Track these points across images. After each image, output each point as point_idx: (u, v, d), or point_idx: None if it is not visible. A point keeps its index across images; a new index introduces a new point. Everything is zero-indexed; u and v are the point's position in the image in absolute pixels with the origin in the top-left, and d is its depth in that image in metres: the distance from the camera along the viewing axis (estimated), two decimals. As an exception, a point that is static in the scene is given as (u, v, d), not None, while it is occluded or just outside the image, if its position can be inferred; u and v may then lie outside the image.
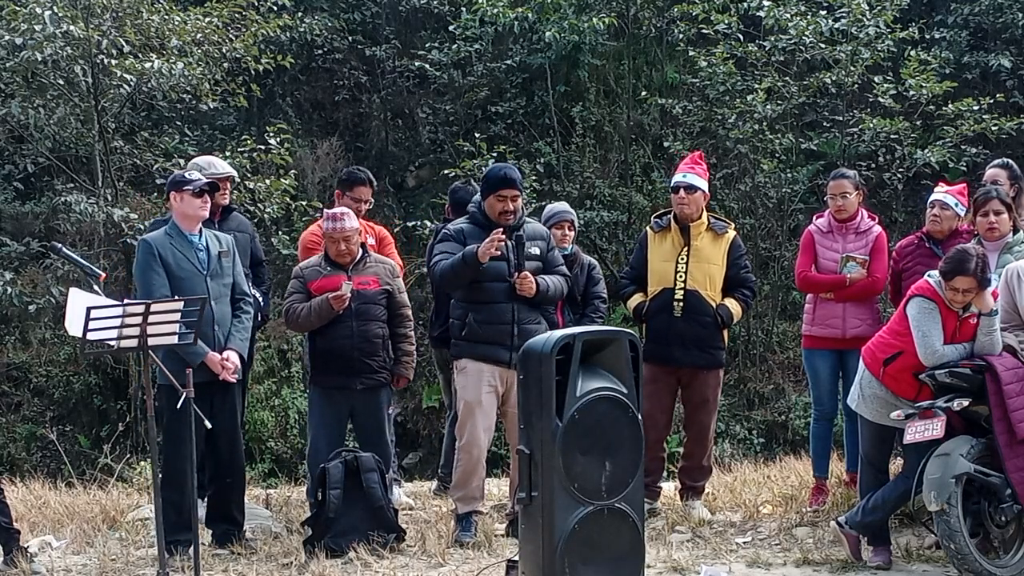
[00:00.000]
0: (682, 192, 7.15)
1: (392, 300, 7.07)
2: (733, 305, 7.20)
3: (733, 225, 7.49)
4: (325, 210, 7.18)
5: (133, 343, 5.40)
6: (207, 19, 12.86)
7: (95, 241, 13.45)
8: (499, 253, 6.59)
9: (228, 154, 12.57)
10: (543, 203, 13.59)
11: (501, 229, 6.61)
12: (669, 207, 7.35)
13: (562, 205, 7.83)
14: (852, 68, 13.83)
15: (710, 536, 6.92)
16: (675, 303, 7.08)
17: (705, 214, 7.26)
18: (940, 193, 6.99)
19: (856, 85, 14.19)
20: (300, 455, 12.42)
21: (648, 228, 7.35)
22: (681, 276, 7.09)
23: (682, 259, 7.11)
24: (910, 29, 13.96)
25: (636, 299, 7.26)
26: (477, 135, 14.85)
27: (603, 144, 16.65)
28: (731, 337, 14.82)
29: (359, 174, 7.79)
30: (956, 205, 6.91)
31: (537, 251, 6.83)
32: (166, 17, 12.64)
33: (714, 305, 7.12)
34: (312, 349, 7.07)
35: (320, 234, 7.23)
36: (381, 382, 7.00)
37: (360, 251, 7.05)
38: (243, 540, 6.70)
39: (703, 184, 7.22)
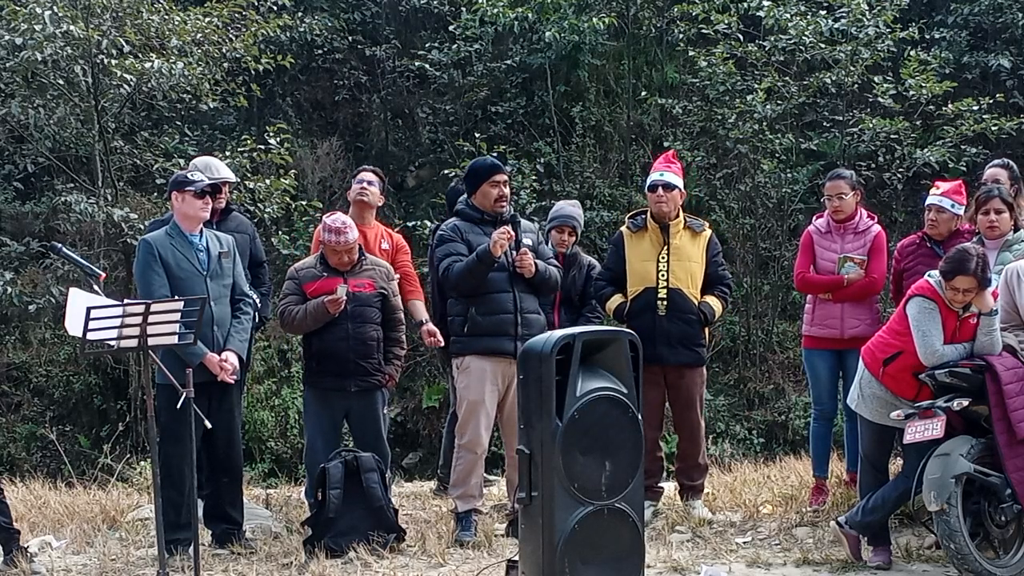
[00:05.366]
0: (660, 191, 7.15)
1: (387, 303, 7.07)
2: (714, 302, 7.22)
3: (708, 224, 7.51)
4: (324, 219, 7.15)
5: (133, 343, 5.40)
6: (207, 19, 12.86)
7: (95, 241, 13.44)
8: (509, 243, 6.64)
9: (228, 154, 12.59)
10: (543, 203, 13.62)
11: (509, 224, 6.66)
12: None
13: (569, 208, 7.84)
14: (852, 68, 13.83)
15: (710, 536, 6.91)
16: (659, 302, 7.07)
17: (682, 213, 7.27)
18: (935, 196, 6.95)
19: (856, 85, 14.18)
20: (300, 455, 12.40)
21: (623, 228, 7.33)
22: (663, 275, 7.08)
23: (663, 258, 7.11)
24: (910, 29, 13.96)
25: (616, 300, 7.24)
26: (477, 135, 14.86)
27: (603, 144, 16.64)
28: (731, 337, 14.96)
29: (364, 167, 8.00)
30: (952, 206, 6.89)
31: (529, 242, 6.89)
32: (166, 17, 12.64)
33: (696, 303, 7.14)
34: (308, 350, 7.07)
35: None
36: (376, 384, 7.00)
37: (357, 254, 7.05)
38: (243, 540, 6.70)
39: (679, 182, 7.24)
